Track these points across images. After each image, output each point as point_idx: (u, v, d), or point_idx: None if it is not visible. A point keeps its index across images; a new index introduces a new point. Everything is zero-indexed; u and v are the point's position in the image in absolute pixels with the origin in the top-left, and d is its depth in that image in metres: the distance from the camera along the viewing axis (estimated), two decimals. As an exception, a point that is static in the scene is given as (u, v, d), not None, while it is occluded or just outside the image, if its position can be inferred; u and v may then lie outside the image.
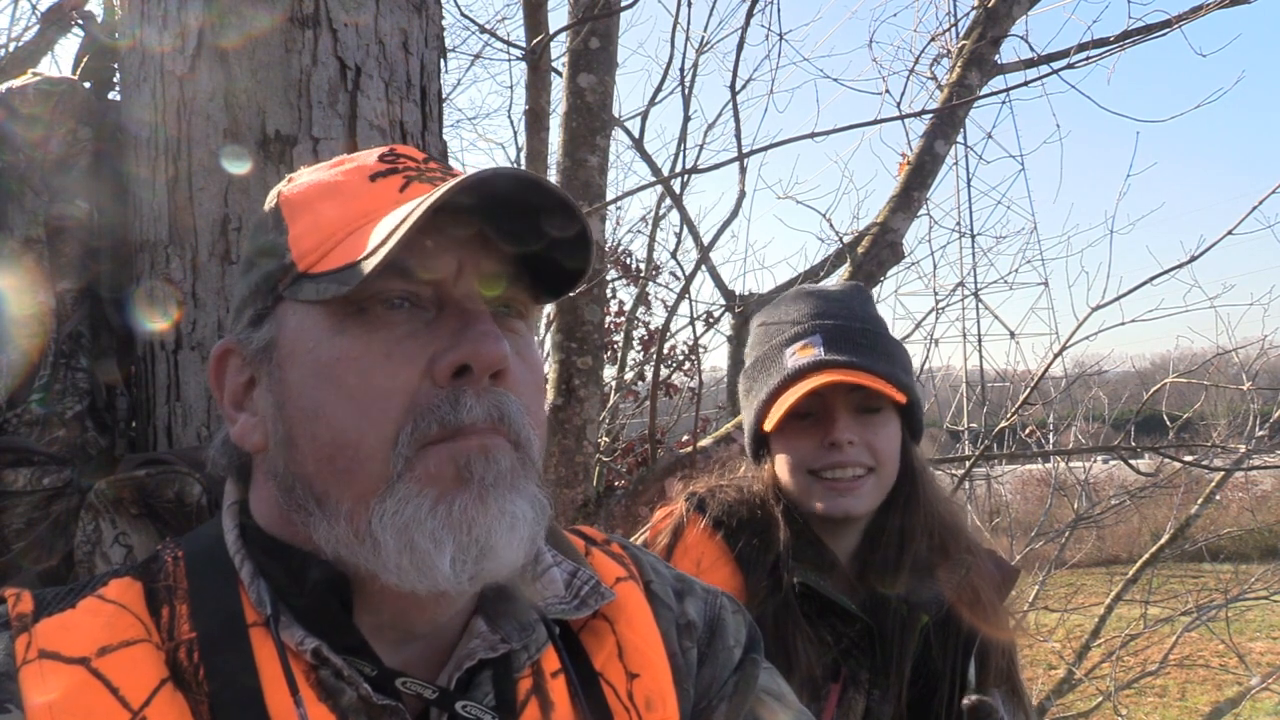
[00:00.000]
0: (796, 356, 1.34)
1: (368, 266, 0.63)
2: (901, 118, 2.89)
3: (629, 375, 6.53)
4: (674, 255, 6.74)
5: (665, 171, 3.72)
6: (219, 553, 0.70)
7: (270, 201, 0.76)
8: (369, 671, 0.65)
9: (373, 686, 0.65)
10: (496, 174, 0.64)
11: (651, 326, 6.95)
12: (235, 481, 0.75)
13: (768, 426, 1.35)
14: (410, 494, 0.63)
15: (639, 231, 7.75)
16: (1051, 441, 5.44)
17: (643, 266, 6.67)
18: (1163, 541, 4.73)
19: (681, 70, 3.47)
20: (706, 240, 3.24)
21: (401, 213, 0.65)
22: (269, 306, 0.71)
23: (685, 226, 3.46)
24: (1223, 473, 4.36)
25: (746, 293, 3.71)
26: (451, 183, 0.63)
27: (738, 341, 3.65)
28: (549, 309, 3.27)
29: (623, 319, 6.68)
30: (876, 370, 1.29)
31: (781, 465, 1.36)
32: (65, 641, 0.63)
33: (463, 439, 0.65)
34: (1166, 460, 4.48)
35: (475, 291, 0.68)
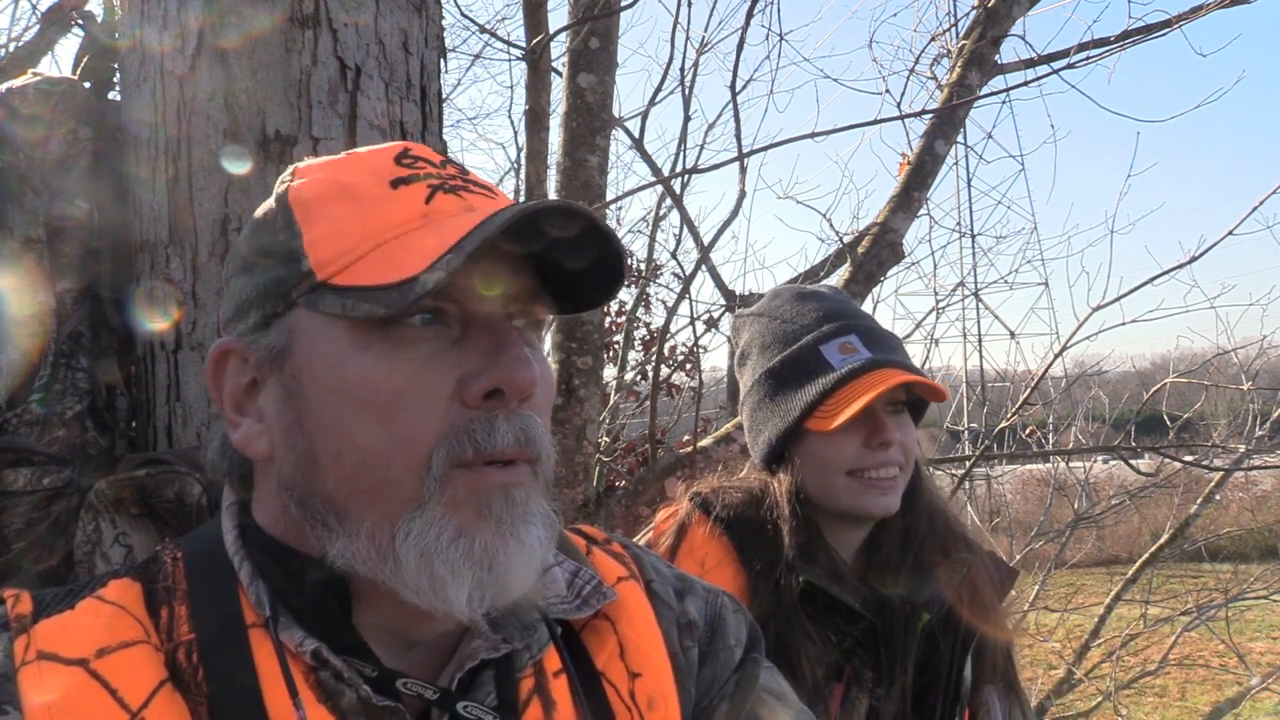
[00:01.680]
0: (841, 356, 1.31)
1: (413, 293, 0.61)
2: (901, 118, 2.90)
3: (629, 375, 6.53)
4: (674, 255, 6.75)
5: (665, 171, 3.72)
6: (218, 554, 0.70)
7: (278, 197, 0.73)
8: (369, 672, 0.65)
9: (373, 687, 0.64)
10: (538, 207, 0.63)
11: (652, 326, 6.95)
12: (234, 485, 0.75)
13: (828, 425, 1.28)
14: (435, 517, 0.63)
15: (639, 231, 7.74)
16: (1051, 441, 5.43)
17: (643, 266, 6.67)
18: (1162, 541, 4.73)
19: (681, 70, 3.47)
20: (706, 240, 3.24)
21: (443, 239, 0.63)
22: (279, 312, 0.68)
23: (685, 226, 3.46)
24: (1223, 473, 4.36)
25: (747, 293, 3.71)
26: (499, 219, 0.62)
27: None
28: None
29: (623, 319, 6.68)
30: (916, 369, 1.31)
31: (813, 466, 1.32)
32: (64, 643, 0.62)
33: (488, 472, 0.65)
34: (1166, 460, 4.48)
35: (499, 309, 0.67)
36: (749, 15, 2.95)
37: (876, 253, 3.11)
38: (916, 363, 1.44)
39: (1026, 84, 3.03)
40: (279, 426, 0.69)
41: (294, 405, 0.67)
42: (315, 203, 0.70)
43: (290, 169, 0.76)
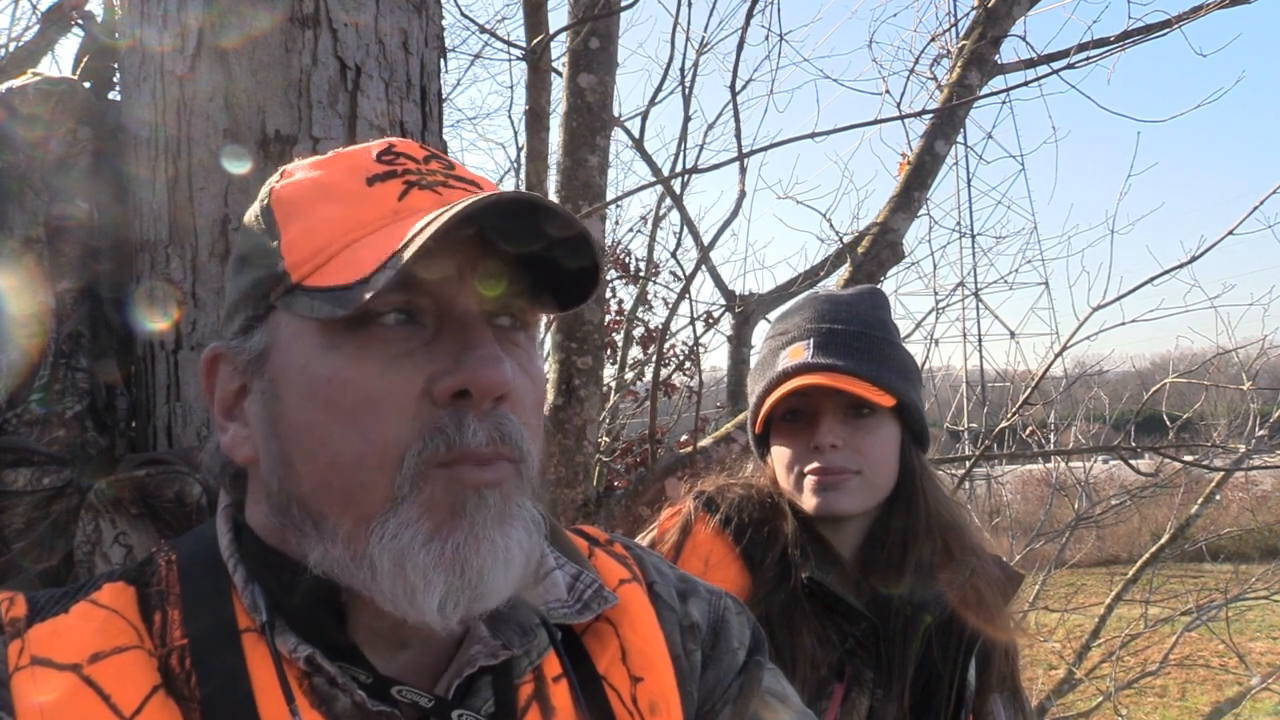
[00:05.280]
0: (786, 359, 1.35)
1: (365, 293, 0.60)
2: (901, 118, 2.89)
3: (629, 375, 6.53)
4: (674, 255, 6.77)
5: (665, 171, 3.72)
6: (212, 557, 0.69)
7: (262, 198, 0.72)
8: (364, 679, 0.65)
9: (368, 694, 0.64)
10: (498, 198, 0.62)
11: (651, 326, 6.95)
12: (227, 488, 0.74)
13: (757, 428, 1.39)
14: (410, 519, 0.62)
15: (639, 231, 7.75)
16: (1051, 441, 5.43)
17: (643, 266, 6.67)
18: (1163, 541, 4.73)
19: (681, 70, 3.47)
20: (706, 240, 3.24)
21: (402, 235, 0.62)
22: (260, 315, 0.68)
23: (685, 226, 3.46)
24: (1223, 473, 4.35)
25: (746, 293, 3.71)
26: (450, 212, 0.61)
27: (738, 341, 3.65)
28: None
29: (623, 319, 6.68)
30: (861, 374, 1.30)
31: (776, 466, 1.38)
32: (57, 648, 0.62)
33: (466, 471, 0.63)
34: (1166, 460, 4.48)
35: (476, 307, 0.66)
36: (749, 15, 2.95)
37: (876, 253, 3.11)
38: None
39: (1026, 84, 3.02)
40: (260, 432, 0.68)
41: (271, 409, 0.67)
42: (295, 202, 0.69)
43: (280, 170, 0.75)
